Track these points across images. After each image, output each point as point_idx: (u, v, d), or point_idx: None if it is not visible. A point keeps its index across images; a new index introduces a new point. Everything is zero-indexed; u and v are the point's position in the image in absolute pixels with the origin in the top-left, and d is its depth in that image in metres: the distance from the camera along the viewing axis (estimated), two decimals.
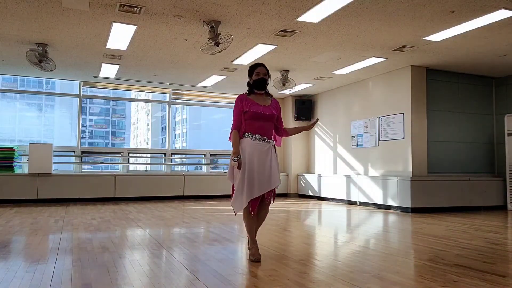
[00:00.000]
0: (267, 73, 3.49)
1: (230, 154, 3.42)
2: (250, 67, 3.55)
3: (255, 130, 3.38)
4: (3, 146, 8.51)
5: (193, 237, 4.55)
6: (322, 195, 9.61)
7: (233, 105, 3.51)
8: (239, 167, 3.30)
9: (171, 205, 8.10)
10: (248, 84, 3.55)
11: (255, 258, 3.31)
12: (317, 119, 3.95)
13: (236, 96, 3.52)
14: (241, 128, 3.40)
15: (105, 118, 37.53)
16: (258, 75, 3.46)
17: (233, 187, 3.44)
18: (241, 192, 3.29)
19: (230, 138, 3.44)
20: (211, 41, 5.45)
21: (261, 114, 3.39)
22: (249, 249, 3.42)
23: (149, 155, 11.02)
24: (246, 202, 3.29)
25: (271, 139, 3.47)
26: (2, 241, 4.12)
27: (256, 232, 3.46)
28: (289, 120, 10.72)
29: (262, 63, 3.56)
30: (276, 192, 3.59)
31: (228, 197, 9.95)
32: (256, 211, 3.37)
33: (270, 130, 3.47)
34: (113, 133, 37.44)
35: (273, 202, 3.48)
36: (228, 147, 11.93)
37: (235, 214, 3.48)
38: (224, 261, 3.34)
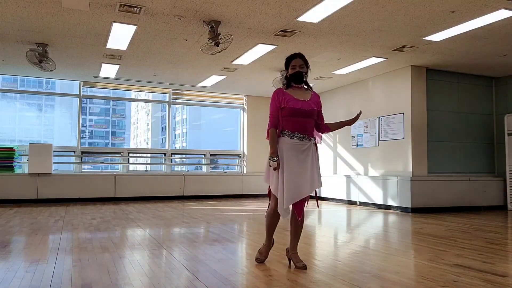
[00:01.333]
0: (304, 64, 3.18)
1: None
2: (286, 59, 3.25)
3: (294, 127, 3.10)
4: (3, 146, 8.51)
5: (193, 237, 4.55)
6: (322, 195, 9.61)
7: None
8: (277, 167, 3.06)
9: (171, 205, 8.10)
10: (286, 77, 3.25)
11: (258, 258, 3.24)
12: (360, 112, 3.51)
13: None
14: (278, 126, 3.15)
15: (105, 118, 37.56)
16: (294, 68, 3.16)
17: (269, 188, 3.21)
18: (282, 195, 3.04)
19: (267, 137, 3.17)
20: (211, 41, 5.45)
21: (299, 110, 3.09)
22: (262, 246, 3.31)
23: (149, 155, 11.03)
24: (290, 205, 3.06)
25: (312, 137, 3.18)
26: (2, 241, 4.12)
27: (296, 245, 3.17)
28: None
29: (298, 53, 3.23)
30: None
31: (228, 197, 9.96)
32: (301, 216, 3.12)
33: (310, 127, 3.17)
34: (113, 133, 37.47)
35: (306, 205, 3.17)
36: (228, 147, 11.81)
37: (283, 218, 3.18)
38: (224, 261, 3.34)
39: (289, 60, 3.22)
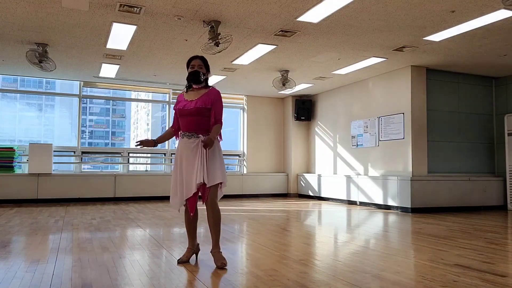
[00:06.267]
0: (203, 65, 3.30)
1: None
2: (187, 60, 3.37)
3: (183, 127, 3.26)
4: (3, 146, 8.51)
5: None
6: (322, 195, 9.61)
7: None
8: (143, 145, 3.27)
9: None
10: (187, 78, 3.34)
11: (179, 258, 3.27)
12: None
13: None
14: (179, 128, 3.34)
15: (105, 118, 37.52)
16: (192, 67, 3.27)
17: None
18: (175, 191, 3.24)
19: None
20: (211, 41, 5.45)
21: (184, 110, 3.22)
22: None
23: (149, 155, 11.02)
24: (183, 201, 3.21)
25: (202, 134, 3.19)
26: (2, 241, 4.12)
27: (215, 243, 3.20)
28: (289, 120, 10.73)
29: (199, 56, 3.36)
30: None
31: (228, 197, 9.95)
32: (194, 211, 3.22)
33: (201, 124, 3.21)
34: (113, 133, 37.43)
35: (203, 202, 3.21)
36: (228, 147, 11.78)
37: (178, 211, 3.35)
38: None
39: (189, 61, 3.34)
